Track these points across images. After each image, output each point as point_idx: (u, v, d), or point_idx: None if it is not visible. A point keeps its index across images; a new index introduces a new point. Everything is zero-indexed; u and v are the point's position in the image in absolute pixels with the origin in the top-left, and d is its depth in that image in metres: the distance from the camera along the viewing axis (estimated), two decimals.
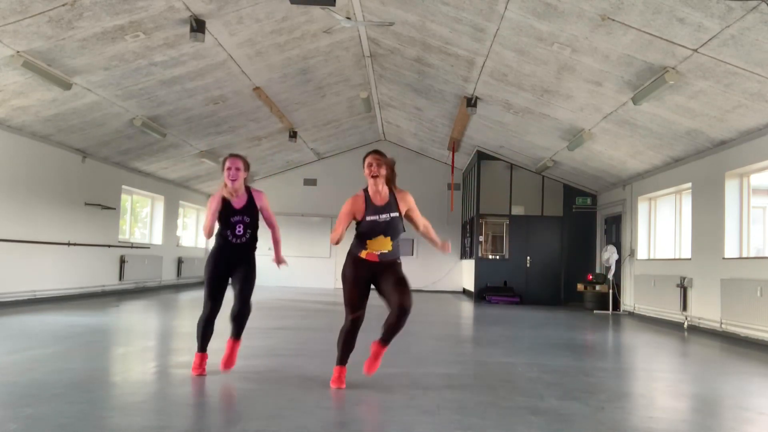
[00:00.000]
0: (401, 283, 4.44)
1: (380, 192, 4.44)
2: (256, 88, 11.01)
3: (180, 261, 16.86)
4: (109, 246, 12.96)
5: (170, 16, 7.60)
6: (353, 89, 12.72)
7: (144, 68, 8.87)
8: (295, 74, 11.01)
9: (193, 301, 12.49)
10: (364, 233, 4.44)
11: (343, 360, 4.56)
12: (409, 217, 4.61)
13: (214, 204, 4.74)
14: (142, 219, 15.98)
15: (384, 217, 4.42)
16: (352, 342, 4.55)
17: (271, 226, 5.03)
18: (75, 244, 11.67)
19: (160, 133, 11.45)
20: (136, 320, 9.04)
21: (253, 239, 4.89)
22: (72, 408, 3.67)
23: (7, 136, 9.70)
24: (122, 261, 13.50)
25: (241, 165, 4.81)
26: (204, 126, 12.28)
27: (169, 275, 16.21)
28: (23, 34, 7.14)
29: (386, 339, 4.49)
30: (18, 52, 7.49)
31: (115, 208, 13.17)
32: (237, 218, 4.77)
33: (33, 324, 7.72)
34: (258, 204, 4.88)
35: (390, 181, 4.50)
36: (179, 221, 17.27)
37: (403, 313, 4.35)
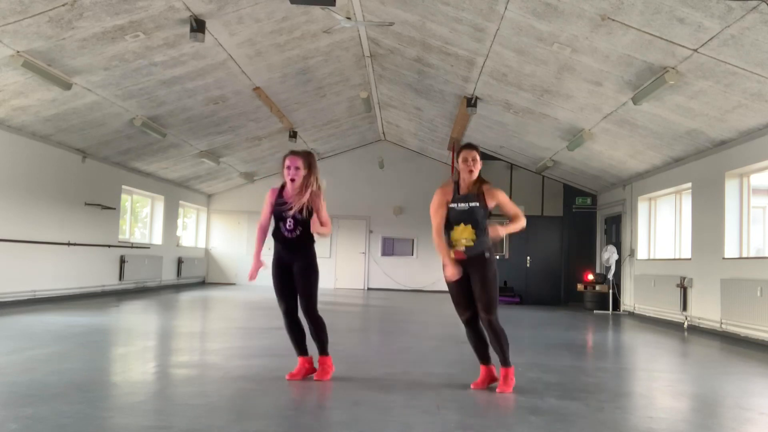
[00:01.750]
0: (483, 290, 4.39)
1: (469, 186, 4.50)
2: (256, 88, 11.01)
3: (180, 261, 16.86)
4: (109, 246, 12.96)
5: (170, 16, 7.60)
6: (353, 89, 12.71)
7: (144, 68, 8.87)
8: (295, 74, 11.01)
9: (194, 301, 12.50)
10: (447, 221, 4.49)
11: (483, 359, 4.58)
12: (503, 212, 4.61)
13: (270, 197, 4.75)
14: (142, 219, 15.98)
15: (462, 205, 4.45)
16: (479, 341, 4.57)
17: (323, 224, 4.83)
18: (75, 244, 11.67)
19: (160, 133, 11.45)
20: (136, 320, 9.04)
21: (306, 235, 4.73)
22: (72, 408, 3.67)
23: (7, 136, 9.70)
24: (122, 261, 13.50)
25: (300, 163, 4.74)
26: (204, 126, 12.28)
27: (169, 275, 16.21)
28: (23, 34, 7.13)
29: (503, 360, 4.48)
30: (18, 52, 7.49)
31: (115, 208, 13.17)
32: (288, 213, 4.69)
33: (33, 324, 7.71)
34: (313, 204, 4.75)
35: (480, 180, 4.52)
36: (179, 221, 17.27)
37: (493, 331, 4.40)
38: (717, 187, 9.28)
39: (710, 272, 9.40)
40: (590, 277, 14.17)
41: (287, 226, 4.69)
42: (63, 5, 6.71)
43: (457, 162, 4.54)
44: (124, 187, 13.74)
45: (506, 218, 4.67)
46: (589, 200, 15.17)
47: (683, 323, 10.08)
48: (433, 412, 3.88)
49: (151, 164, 13.99)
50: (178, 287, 16.15)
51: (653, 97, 7.80)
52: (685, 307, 10.16)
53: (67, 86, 8.54)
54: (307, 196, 4.71)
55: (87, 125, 10.44)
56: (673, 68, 7.08)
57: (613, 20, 6.50)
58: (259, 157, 15.91)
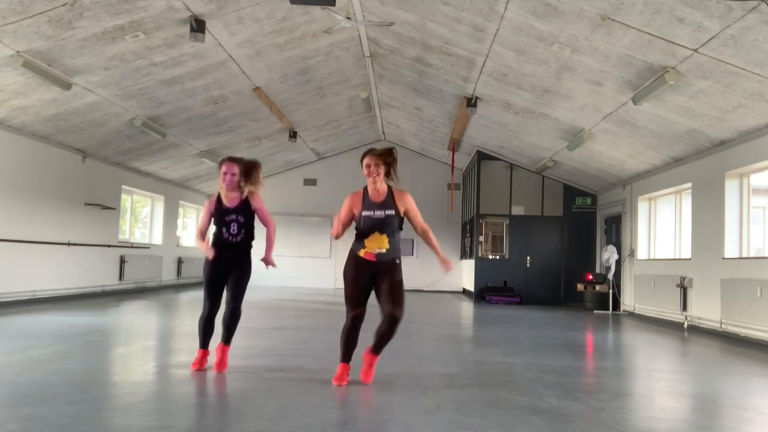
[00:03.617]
0: (394, 290, 4.46)
1: (378, 190, 4.52)
2: (256, 88, 11.02)
3: (180, 261, 16.86)
4: (109, 246, 12.96)
5: (170, 16, 7.60)
6: (353, 89, 12.72)
7: (144, 68, 8.87)
8: (295, 74, 11.01)
9: (193, 301, 12.50)
10: (361, 229, 4.51)
11: (345, 357, 4.60)
12: (408, 218, 4.65)
13: (208, 206, 4.99)
14: (142, 219, 15.98)
15: (379, 213, 4.47)
16: (355, 339, 4.59)
17: (265, 224, 5.10)
18: (75, 244, 11.67)
19: (160, 133, 11.45)
20: (136, 320, 9.04)
21: (248, 239, 4.99)
22: (72, 408, 3.66)
23: (7, 136, 9.70)
24: (122, 261, 13.50)
25: (236, 170, 4.93)
26: (204, 126, 12.28)
27: (169, 275, 16.21)
28: (23, 34, 7.14)
29: (377, 348, 4.56)
30: (18, 52, 7.49)
31: (115, 208, 13.17)
32: (231, 217, 4.91)
33: (33, 324, 7.71)
34: (253, 205, 4.98)
35: (389, 174, 4.54)
36: (179, 221, 17.27)
37: (393, 322, 4.41)
38: (717, 187, 9.28)
39: (710, 272, 9.40)
40: (592, 277, 14.18)
41: (231, 231, 4.92)
42: (63, 5, 6.71)
43: (362, 168, 4.53)
44: (124, 187, 13.74)
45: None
46: (589, 200, 15.17)
47: (683, 323, 10.08)
48: (433, 412, 3.88)
49: (151, 164, 13.99)
50: (178, 287, 16.15)
51: (653, 97, 7.80)
52: (685, 307, 10.16)
53: (67, 86, 8.54)
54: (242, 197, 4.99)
55: (87, 125, 10.44)
56: (673, 68, 7.08)
57: (613, 20, 6.50)
58: (259, 157, 15.86)
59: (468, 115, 11.77)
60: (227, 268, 4.93)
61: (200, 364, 4.93)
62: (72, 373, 4.71)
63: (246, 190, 4.97)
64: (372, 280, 4.53)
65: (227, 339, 5.02)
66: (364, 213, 4.47)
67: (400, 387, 4.59)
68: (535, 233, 15.22)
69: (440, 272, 4.80)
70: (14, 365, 5.00)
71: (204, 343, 5.00)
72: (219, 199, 5.00)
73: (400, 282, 4.53)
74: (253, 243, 5.04)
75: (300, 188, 18.85)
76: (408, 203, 4.58)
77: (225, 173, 4.91)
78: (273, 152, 16.18)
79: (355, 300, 4.51)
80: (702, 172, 9.75)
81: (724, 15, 5.70)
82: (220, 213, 4.94)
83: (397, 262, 4.57)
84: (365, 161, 4.50)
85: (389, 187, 4.57)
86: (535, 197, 15.35)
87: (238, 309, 4.97)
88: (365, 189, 4.55)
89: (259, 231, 4.94)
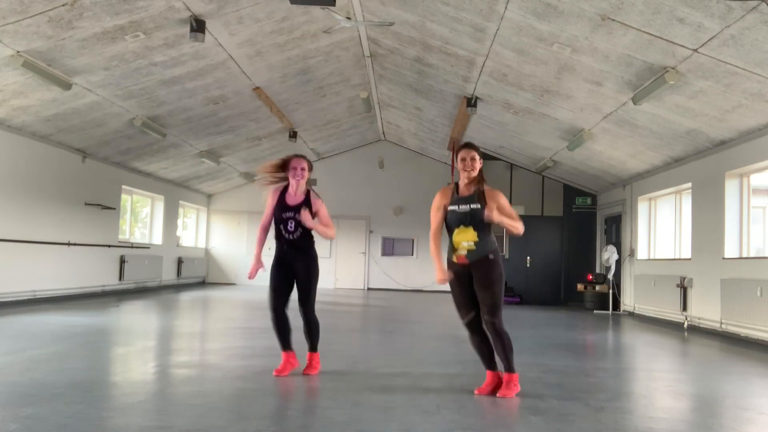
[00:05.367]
0: (486, 292, 4.29)
1: (469, 187, 4.43)
2: (256, 88, 11.01)
3: (180, 261, 16.86)
4: (109, 246, 12.96)
5: (170, 16, 7.60)
6: (353, 89, 12.71)
7: (144, 68, 8.87)
8: (295, 74, 11.01)
9: (194, 301, 12.50)
10: (447, 224, 4.44)
11: (488, 364, 4.47)
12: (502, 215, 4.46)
13: (270, 198, 4.91)
14: (142, 219, 15.98)
15: (463, 207, 4.37)
16: (483, 345, 4.44)
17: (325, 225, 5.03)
18: (75, 244, 11.67)
19: (160, 133, 11.45)
20: (136, 320, 9.04)
21: (307, 237, 4.90)
22: (72, 408, 3.67)
23: (7, 136, 9.70)
24: (122, 261, 13.50)
25: (306, 165, 4.91)
26: (204, 126, 12.28)
27: (169, 275, 16.21)
28: (23, 34, 7.13)
29: (507, 366, 4.38)
30: (18, 52, 7.49)
31: (115, 208, 13.17)
32: (289, 214, 4.84)
33: (33, 324, 7.72)
34: (314, 209, 4.91)
35: (481, 180, 4.45)
36: (179, 221, 17.27)
37: (498, 334, 4.29)
38: (717, 187, 9.28)
39: (710, 272, 9.40)
40: (592, 277, 14.18)
41: (289, 228, 4.81)
42: (63, 5, 6.71)
43: (456, 162, 4.48)
44: (124, 187, 13.73)
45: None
46: (589, 200, 15.17)
47: (683, 323, 10.08)
48: (434, 412, 3.88)
49: (151, 164, 13.99)
50: (178, 287, 16.15)
51: (653, 97, 7.80)
52: (685, 307, 10.16)
53: (67, 86, 8.54)
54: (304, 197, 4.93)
55: (87, 125, 10.44)
56: (673, 68, 7.08)
57: (613, 20, 6.50)
58: (259, 157, 15.90)
59: (468, 115, 11.77)
60: (290, 263, 4.84)
61: (284, 369, 4.80)
62: (72, 373, 4.71)
63: (309, 190, 4.96)
64: (471, 282, 4.37)
65: (310, 347, 4.94)
66: (450, 207, 4.40)
67: (400, 387, 4.58)
68: (535, 233, 15.22)
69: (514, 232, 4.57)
70: (14, 365, 5.00)
71: (282, 343, 4.87)
72: (279, 193, 4.92)
73: (494, 282, 4.31)
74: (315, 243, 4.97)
75: None
76: (499, 201, 4.39)
77: (295, 167, 4.85)
78: (273, 152, 16.16)
79: (461, 306, 4.42)
80: (702, 172, 9.75)
81: (724, 15, 5.70)
82: (281, 208, 4.86)
83: (491, 257, 4.36)
84: (461, 154, 4.42)
85: (481, 186, 4.42)
86: (535, 197, 15.36)
87: (310, 318, 4.86)
88: (456, 184, 4.48)
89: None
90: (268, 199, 4.92)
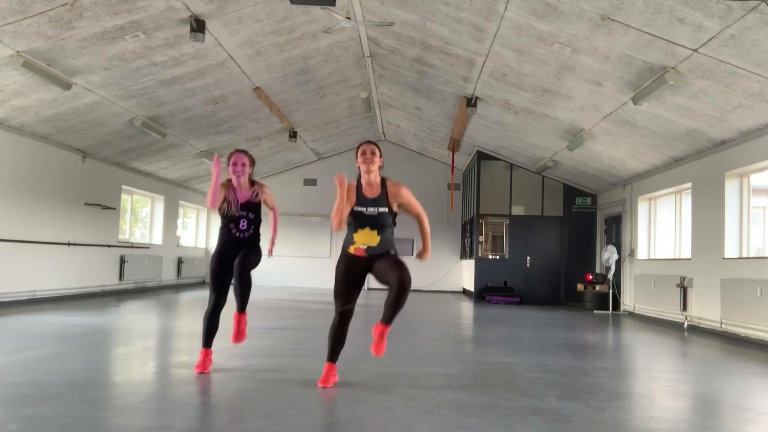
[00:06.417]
0: (395, 262, 4.31)
1: (372, 183, 4.40)
2: (256, 88, 11.02)
3: (180, 261, 16.86)
4: (109, 246, 12.96)
5: (170, 16, 7.60)
6: (353, 89, 12.72)
7: (144, 68, 8.88)
8: (295, 74, 11.01)
9: (194, 301, 12.49)
10: (351, 224, 4.41)
11: (332, 356, 4.52)
12: (405, 211, 4.52)
13: (224, 191, 4.82)
14: (142, 219, 15.98)
15: (371, 210, 4.36)
16: (342, 337, 4.50)
17: (272, 209, 5.11)
18: (75, 244, 11.67)
19: (160, 133, 11.45)
20: (136, 320, 9.04)
21: (257, 234, 4.95)
22: (72, 408, 3.66)
23: (7, 136, 9.70)
24: (122, 261, 13.50)
25: (246, 161, 4.88)
26: (204, 126, 12.28)
27: (169, 275, 16.21)
28: (23, 34, 7.14)
29: (388, 318, 4.30)
30: (18, 52, 7.49)
31: (115, 208, 13.17)
32: (241, 213, 4.84)
33: (33, 324, 7.71)
34: (262, 198, 4.95)
35: (383, 180, 4.44)
36: (179, 221, 17.27)
37: (402, 288, 4.18)
38: (717, 187, 9.28)
39: (710, 272, 9.40)
40: (592, 277, 14.18)
41: (241, 226, 4.84)
42: (63, 5, 6.71)
43: (357, 158, 4.42)
44: (124, 187, 13.73)
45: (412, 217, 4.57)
46: (589, 200, 15.17)
47: (683, 323, 10.08)
48: (433, 412, 3.88)
49: (151, 164, 13.99)
50: (178, 287, 16.15)
51: (653, 97, 7.80)
52: (685, 307, 10.16)
53: (67, 86, 8.54)
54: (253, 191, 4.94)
55: (87, 125, 10.44)
56: (673, 68, 7.08)
57: (613, 20, 6.50)
58: (259, 157, 15.88)
59: (468, 115, 11.77)
60: (233, 261, 4.82)
61: (204, 367, 4.81)
62: (72, 373, 4.70)
63: (256, 188, 4.94)
64: (362, 276, 4.44)
65: (240, 307, 4.91)
66: (356, 209, 4.36)
67: (400, 387, 4.58)
68: (535, 233, 15.22)
69: (416, 257, 4.64)
70: (14, 365, 5.00)
71: (206, 341, 4.89)
72: (227, 192, 4.88)
73: (401, 260, 4.34)
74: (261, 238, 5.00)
75: (300, 188, 18.85)
76: (403, 196, 4.42)
77: (235, 163, 4.83)
78: (273, 152, 16.19)
79: (344, 296, 4.42)
80: (702, 172, 9.75)
81: (724, 15, 5.70)
82: (236, 207, 4.83)
83: (392, 253, 4.42)
84: (361, 148, 4.40)
85: (383, 181, 4.44)
86: (535, 197, 15.35)
87: (247, 275, 4.78)
88: (358, 182, 4.43)
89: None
90: (222, 190, 4.81)
